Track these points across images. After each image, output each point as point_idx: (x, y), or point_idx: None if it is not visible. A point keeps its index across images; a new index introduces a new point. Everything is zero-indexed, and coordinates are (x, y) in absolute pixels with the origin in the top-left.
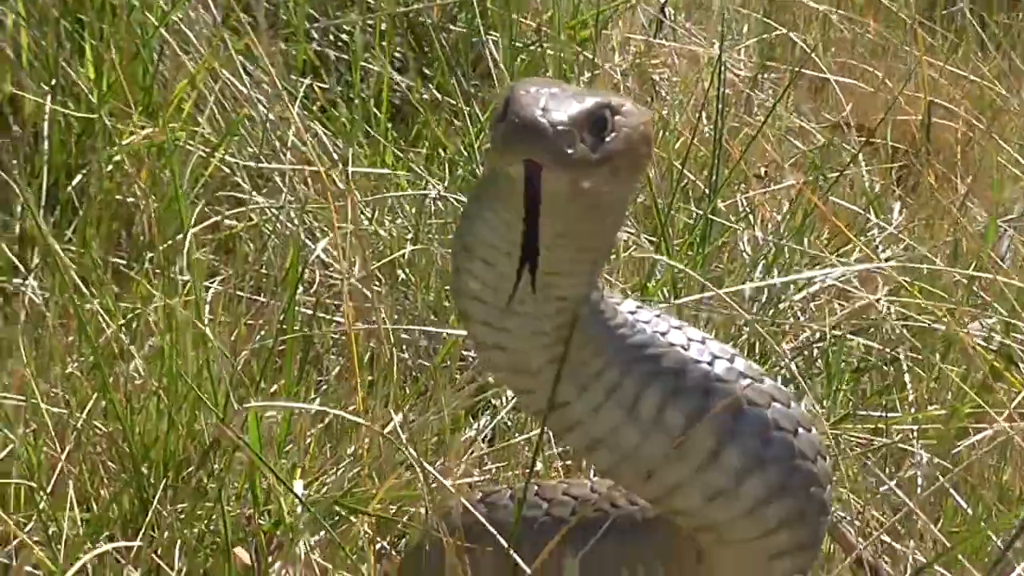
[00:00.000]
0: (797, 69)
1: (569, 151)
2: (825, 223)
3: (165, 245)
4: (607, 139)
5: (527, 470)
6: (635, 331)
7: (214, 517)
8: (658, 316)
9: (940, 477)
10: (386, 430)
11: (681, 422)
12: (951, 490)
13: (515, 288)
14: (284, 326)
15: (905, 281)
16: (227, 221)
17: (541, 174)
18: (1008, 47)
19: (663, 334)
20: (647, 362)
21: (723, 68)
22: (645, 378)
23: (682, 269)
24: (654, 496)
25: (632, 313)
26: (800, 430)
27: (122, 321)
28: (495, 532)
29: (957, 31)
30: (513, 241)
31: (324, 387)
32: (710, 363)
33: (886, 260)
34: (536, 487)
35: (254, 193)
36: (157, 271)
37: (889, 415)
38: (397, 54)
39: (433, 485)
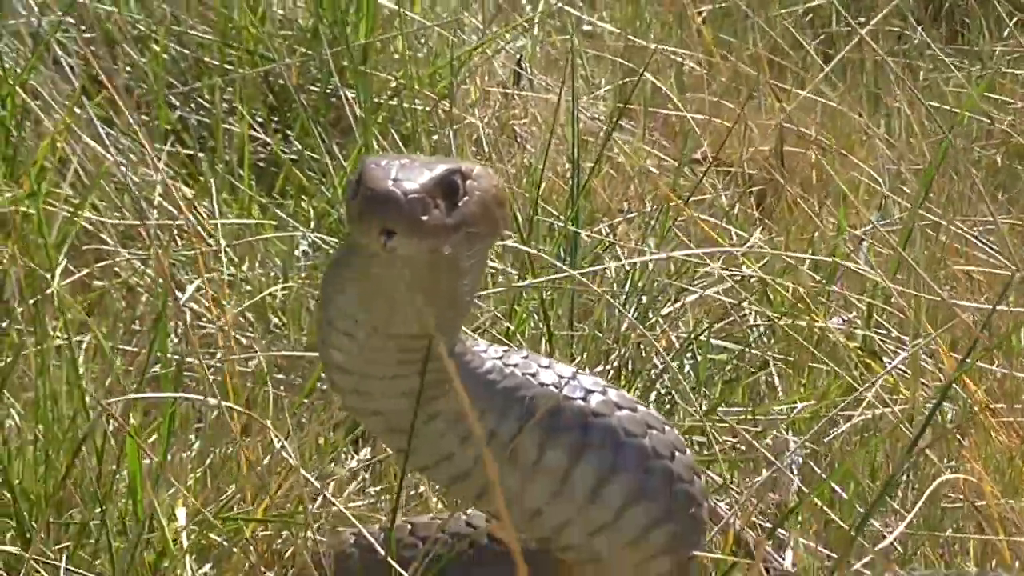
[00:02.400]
0: (650, 109)
1: (423, 218)
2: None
3: (34, 299)
4: (460, 204)
5: (393, 511)
6: (504, 376)
7: (98, 552)
8: (525, 357)
9: (813, 466)
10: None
11: (563, 461)
12: (822, 474)
13: None
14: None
15: (766, 279)
16: (96, 282)
17: (397, 242)
18: (856, 77)
19: (533, 375)
20: (521, 405)
21: (576, 108)
22: (522, 422)
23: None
24: (541, 534)
25: (499, 358)
26: (677, 453)
27: None
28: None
29: (805, 67)
30: (374, 314)
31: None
32: (584, 399)
33: (748, 274)
34: (409, 525)
35: (120, 248)
36: (30, 328)
37: (757, 406)
38: (259, 118)
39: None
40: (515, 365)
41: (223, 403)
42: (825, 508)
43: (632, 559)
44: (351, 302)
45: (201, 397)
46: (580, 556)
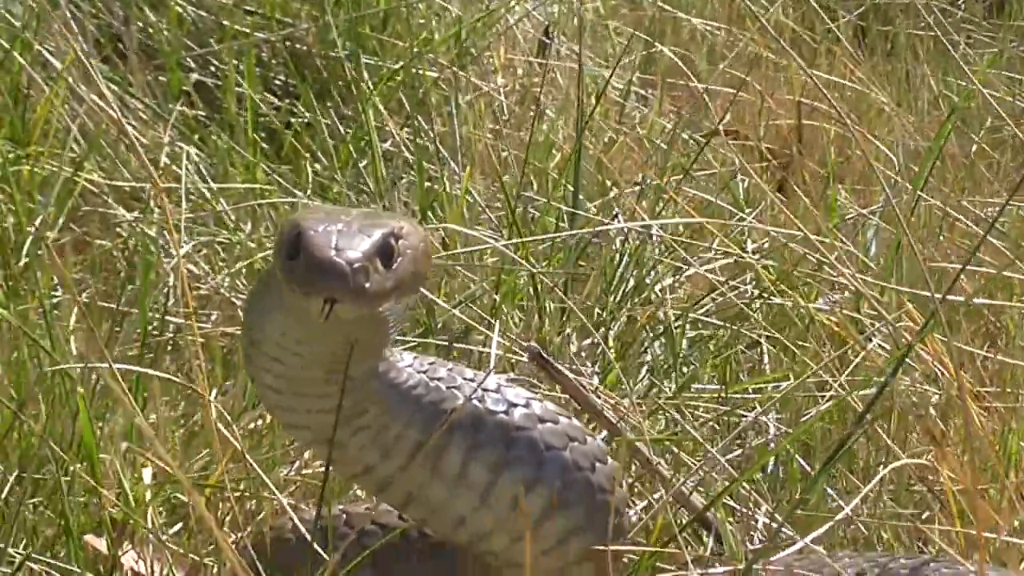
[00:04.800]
0: (669, 80)
1: (366, 286)
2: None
3: (26, 258)
4: (395, 265)
5: (318, 505)
6: (429, 390)
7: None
8: (450, 370)
9: (788, 447)
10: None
11: (485, 475)
12: (794, 454)
13: None
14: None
15: (765, 264)
16: (98, 241)
17: (335, 305)
18: (884, 54)
19: (457, 388)
20: (443, 418)
21: (583, 75)
22: (445, 436)
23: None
24: (466, 541)
25: (423, 371)
26: (598, 464)
27: None
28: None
29: (836, 40)
30: (300, 342)
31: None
32: (506, 412)
33: (753, 252)
34: (345, 515)
35: (121, 209)
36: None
37: (732, 384)
38: (278, 81)
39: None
40: (439, 379)
41: (197, 364)
42: (756, 491)
43: (552, 565)
44: (277, 330)
45: (159, 373)
46: (502, 561)
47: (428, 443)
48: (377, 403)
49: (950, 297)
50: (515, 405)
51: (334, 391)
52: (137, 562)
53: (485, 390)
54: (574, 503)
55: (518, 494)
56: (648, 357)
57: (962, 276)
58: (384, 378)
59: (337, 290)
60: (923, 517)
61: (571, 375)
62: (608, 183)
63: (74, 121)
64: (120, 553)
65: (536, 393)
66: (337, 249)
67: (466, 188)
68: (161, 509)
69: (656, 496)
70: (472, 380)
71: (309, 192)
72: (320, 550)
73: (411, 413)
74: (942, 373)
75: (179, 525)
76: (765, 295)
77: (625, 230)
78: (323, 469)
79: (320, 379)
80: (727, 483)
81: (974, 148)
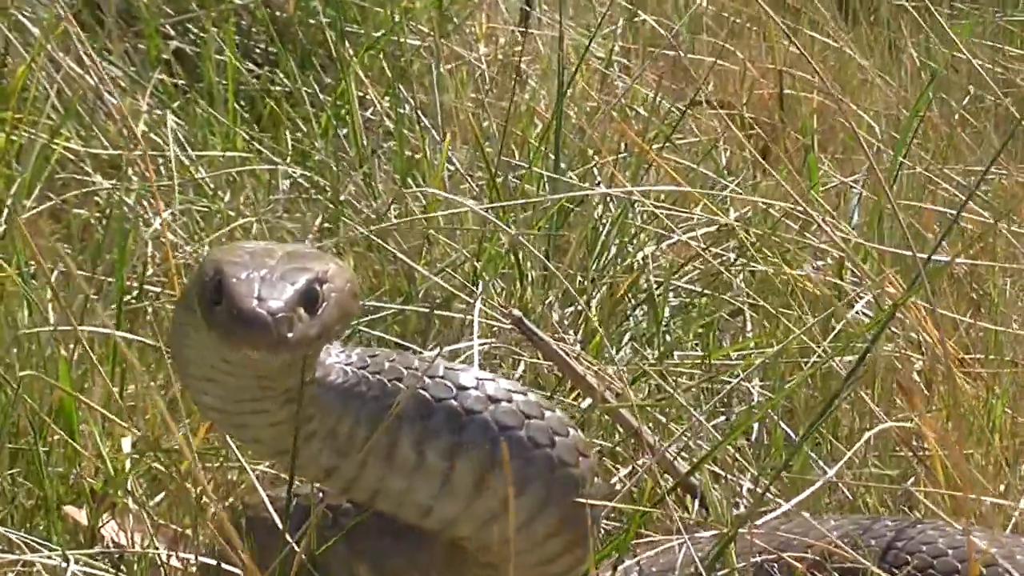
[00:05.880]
0: (652, 49)
1: (289, 335)
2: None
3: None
4: (319, 311)
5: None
6: (371, 385)
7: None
8: (393, 360)
9: (771, 413)
10: None
11: (441, 462)
12: (777, 420)
13: None
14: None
15: (747, 231)
16: (76, 210)
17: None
18: (868, 23)
19: (400, 380)
20: (389, 410)
21: (564, 45)
22: (394, 429)
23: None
24: (436, 528)
25: (364, 367)
26: (557, 438)
27: None
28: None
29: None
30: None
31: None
32: (455, 397)
33: (734, 219)
34: (321, 493)
35: (99, 177)
36: None
37: (713, 351)
38: (258, 49)
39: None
40: (382, 372)
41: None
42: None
43: (521, 545)
44: (204, 359)
45: (136, 337)
46: (473, 545)
47: (373, 439)
48: (320, 408)
49: (934, 257)
50: (465, 389)
51: (272, 407)
52: (118, 533)
53: (432, 377)
54: (535, 481)
55: (476, 478)
56: (631, 324)
57: (944, 243)
58: (323, 382)
59: (259, 342)
60: (909, 482)
61: (553, 342)
62: (590, 152)
63: (52, 87)
64: (100, 525)
65: (501, 369)
66: (260, 299)
67: (446, 154)
68: (141, 480)
69: (641, 462)
70: (416, 369)
71: (289, 159)
72: (289, 537)
73: (356, 411)
74: (926, 340)
75: (160, 496)
76: (747, 259)
77: (607, 198)
78: None
79: (257, 395)
80: (711, 449)
81: (956, 117)
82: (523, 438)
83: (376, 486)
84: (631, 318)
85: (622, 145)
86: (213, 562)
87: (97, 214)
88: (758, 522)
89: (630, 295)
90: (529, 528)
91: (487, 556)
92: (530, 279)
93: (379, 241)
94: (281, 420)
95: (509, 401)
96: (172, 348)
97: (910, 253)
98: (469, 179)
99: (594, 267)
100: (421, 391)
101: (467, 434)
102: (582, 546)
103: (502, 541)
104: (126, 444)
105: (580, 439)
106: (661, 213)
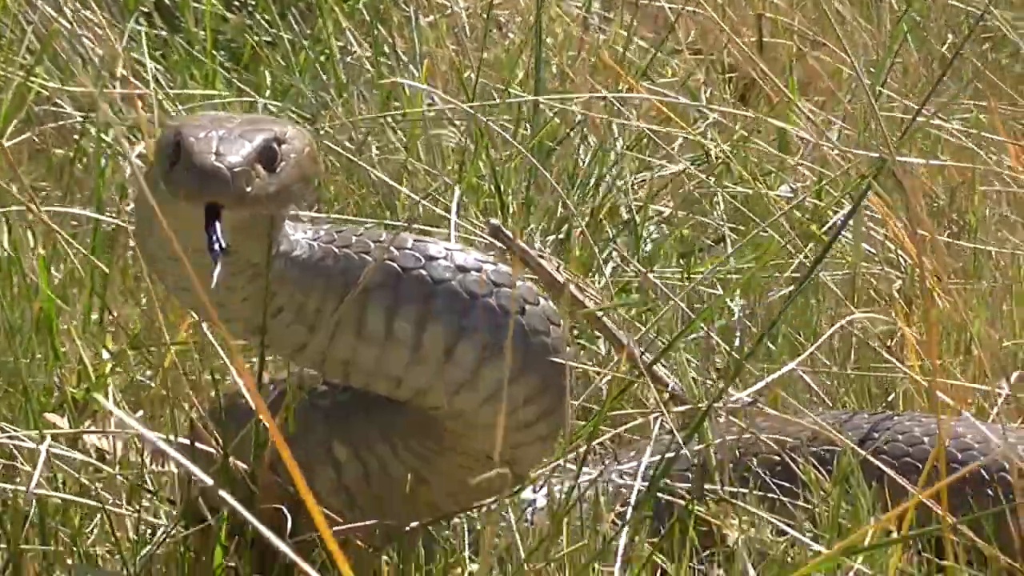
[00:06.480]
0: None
1: (248, 189)
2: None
3: None
4: (279, 170)
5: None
6: (338, 259)
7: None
8: (360, 235)
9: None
10: None
11: (410, 331)
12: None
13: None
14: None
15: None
16: (55, 150)
17: (221, 210)
18: None
19: (367, 253)
20: (357, 281)
21: None
22: (361, 300)
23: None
24: (407, 398)
25: (331, 242)
26: (528, 306)
27: None
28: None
29: None
30: (193, 248)
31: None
32: (423, 267)
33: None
34: (296, 376)
35: (76, 113)
36: None
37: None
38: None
39: None
40: (348, 246)
41: None
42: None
43: (495, 413)
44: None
45: None
46: (446, 414)
47: (340, 311)
48: (286, 282)
49: (909, 160)
50: (434, 259)
51: (241, 281)
52: (100, 440)
53: (400, 248)
54: (505, 348)
55: (446, 346)
56: (612, 247)
57: (925, 173)
58: (287, 257)
59: (219, 194)
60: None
61: (532, 250)
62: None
63: (29, 27)
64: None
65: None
66: (218, 154)
67: (424, 80)
68: (121, 393)
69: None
70: (382, 241)
71: (268, 94)
72: (263, 416)
73: (324, 285)
74: (905, 258)
75: (140, 412)
76: (728, 182)
77: (584, 131)
78: None
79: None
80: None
81: (935, 63)
82: (493, 305)
83: (347, 358)
84: (613, 241)
85: (603, 91)
86: (187, 441)
87: (73, 154)
88: (733, 396)
89: (611, 225)
90: (499, 395)
91: (464, 427)
92: (511, 210)
93: (361, 163)
94: (249, 296)
95: (479, 271)
96: (137, 239)
97: (878, 155)
98: (447, 115)
99: (576, 197)
100: (389, 262)
101: (435, 302)
102: (556, 414)
103: (474, 409)
104: (105, 353)
105: (550, 308)
106: (646, 131)
